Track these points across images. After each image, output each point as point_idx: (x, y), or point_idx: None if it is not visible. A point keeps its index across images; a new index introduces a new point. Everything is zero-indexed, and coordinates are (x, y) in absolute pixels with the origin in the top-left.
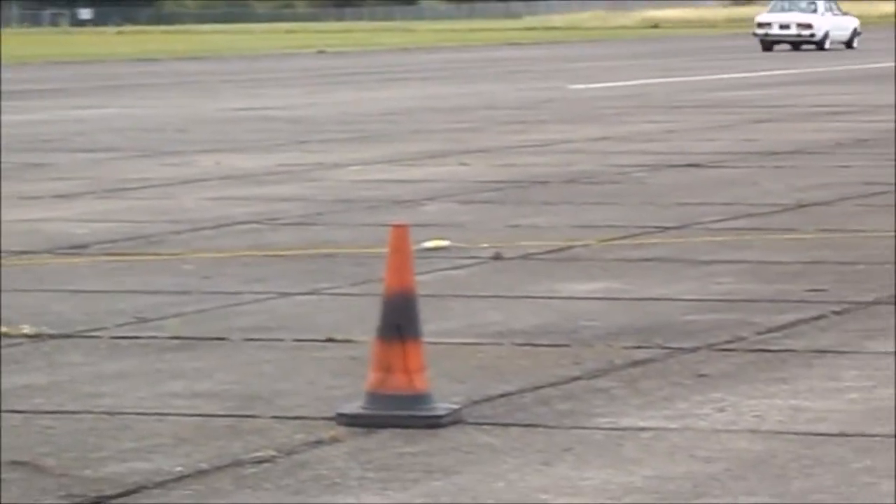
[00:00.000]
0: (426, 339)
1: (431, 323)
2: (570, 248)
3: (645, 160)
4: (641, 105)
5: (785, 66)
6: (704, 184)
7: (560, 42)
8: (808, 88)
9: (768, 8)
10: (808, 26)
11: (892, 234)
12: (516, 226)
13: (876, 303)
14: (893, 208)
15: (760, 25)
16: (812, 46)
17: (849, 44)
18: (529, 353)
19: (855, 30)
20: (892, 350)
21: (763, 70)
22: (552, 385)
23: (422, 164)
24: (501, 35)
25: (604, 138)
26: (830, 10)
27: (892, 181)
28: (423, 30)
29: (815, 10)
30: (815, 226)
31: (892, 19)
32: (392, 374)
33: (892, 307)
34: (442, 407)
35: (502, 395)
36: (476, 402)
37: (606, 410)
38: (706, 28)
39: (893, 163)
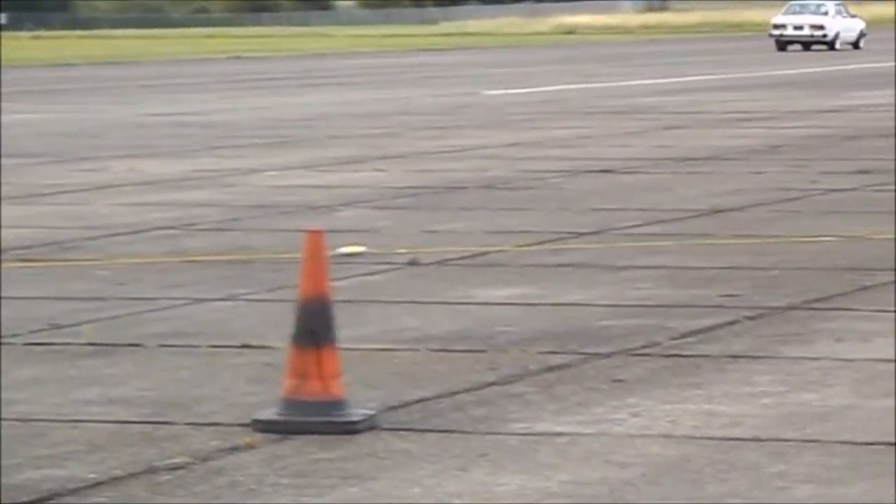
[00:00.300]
0: (342, 344)
1: (347, 329)
2: (486, 253)
3: (560, 166)
4: (557, 111)
5: (698, 71)
6: (620, 189)
7: (476, 48)
8: (722, 95)
9: (783, 10)
10: (821, 27)
11: (806, 239)
12: (432, 231)
13: (790, 308)
14: (807, 214)
15: (776, 27)
16: (823, 46)
17: (855, 44)
18: (445, 358)
19: (861, 31)
20: (806, 355)
21: (678, 76)
22: (468, 391)
23: (338, 170)
24: (418, 41)
25: (519, 144)
26: (840, 12)
27: (807, 187)
28: (340, 35)
29: (826, 13)
30: (730, 231)
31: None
32: (307, 381)
33: (806, 312)
34: (357, 413)
35: (418, 401)
36: (391, 408)
37: (522, 416)
38: (621, 34)
39: (806, 168)
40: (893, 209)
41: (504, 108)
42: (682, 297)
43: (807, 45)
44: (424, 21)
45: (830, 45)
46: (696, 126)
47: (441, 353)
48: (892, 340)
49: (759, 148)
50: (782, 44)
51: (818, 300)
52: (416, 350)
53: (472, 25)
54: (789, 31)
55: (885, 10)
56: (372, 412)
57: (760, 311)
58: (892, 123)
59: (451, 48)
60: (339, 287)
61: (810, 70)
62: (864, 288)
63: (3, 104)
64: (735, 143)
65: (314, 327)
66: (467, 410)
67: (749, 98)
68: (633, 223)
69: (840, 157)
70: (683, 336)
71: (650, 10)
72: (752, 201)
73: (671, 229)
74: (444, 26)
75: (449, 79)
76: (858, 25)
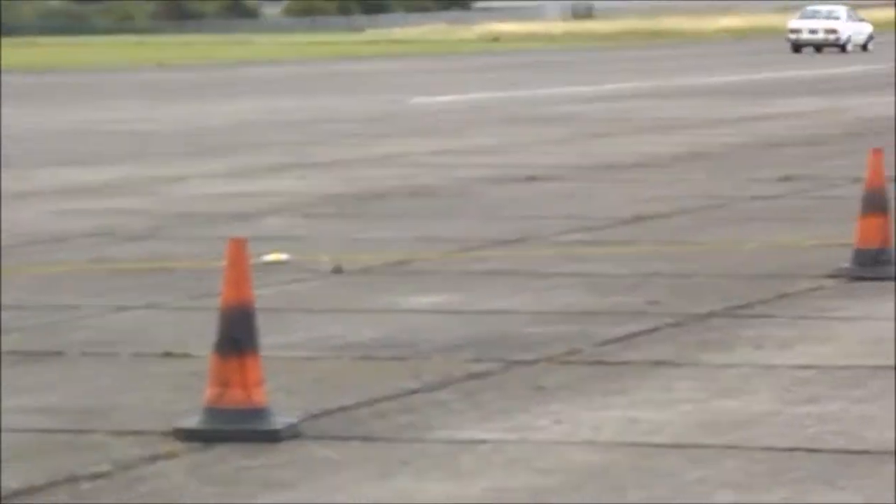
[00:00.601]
0: (265, 353)
1: (270, 337)
2: (410, 261)
3: (485, 173)
4: (482, 118)
5: (623, 79)
6: (544, 197)
7: (402, 55)
8: (646, 102)
9: (798, 15)
10: (834, 31)
11: (729, 246)
12: (357, 239)
13: (711, 315)
14: (730, 221)
15: (792, 31)
16: (836, 49)
17: (864, 46)
18: (368, 366)
19: (870, 34)
20: (727, 362)
21: (601, 84)
22: (391, 398)
23: (262, 178)
24: (343, 48)
25: (444, 151)
26: (851, 17)
27: (730, 194)
28: (264, 42)
29: (838, 18)
30: (653, 238)
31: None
32: (230, 389)
33: (728, 319)
34: (280, 421)
35: (341, 409)
36: (314, 416)
37: (445, 423)
38: (546, 42)
39: (730, 176)
40: (815, 217)
41: (429, 116)
42: (604, 304)
43: (819, 47)
44: (350, 29)
45: (842, 48)
46: (621, 133)
47: (364, 361)
48: (813, 347)
49: (683, 155)
50: (798, 46)
51: (740, 307)
52: (340, 358)
53: (398, 33)
54: (805, 35)
55: (887, 14)
56: (294, 420)
57: (682, 318)
58: (816, 131)
59: (376, 55)
60: (262, 295)
61: (735, 78)
62: (785, 295)
63: None
64: (659, 151)
65: (237, 335)
66: (390, 418)
67: (673, 105)
68: (557, 230)
69: (763, 165)
70: (606, 343)
71: (575, 18)
72: (675, 208)
73: (595, 237)
74: (370, 34)
75: (374, 86)
76: (867, 29)
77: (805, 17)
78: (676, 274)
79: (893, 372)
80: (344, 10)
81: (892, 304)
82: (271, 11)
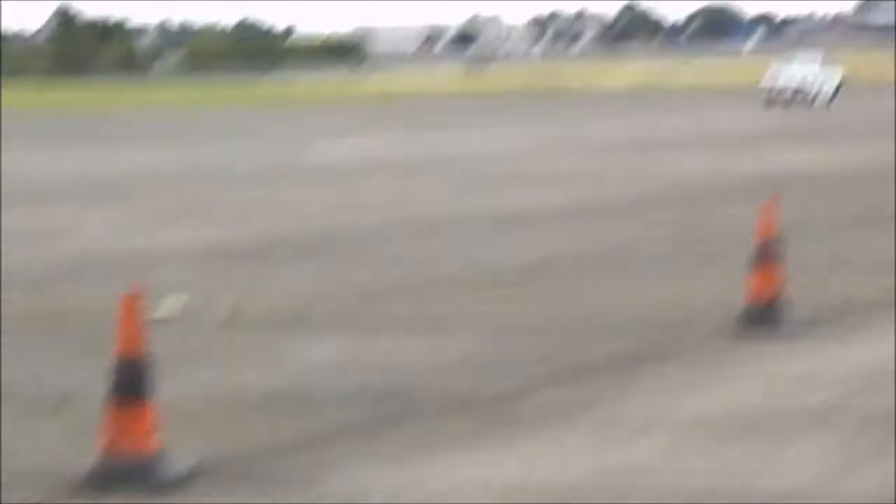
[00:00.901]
0: (159, 401)
1: (164, 385)
2: (309, 308)
3: (382, 222)
4: (377, 167)
5: (519, 131)
6: (442, 246)
7: (298, 106)
8: (547, 153)
9: (768, 72)
10: (801, 90)
11: (627, 294)
12: (255, 286)
13: (609, 361)
14: (624, 274)
15: (765, 87)
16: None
17: (832, 98)
18: (267, 413)
19: (839, 83)
20: (618, 414)
21: (500, 135)
22: (289, 445)
23: (158, 227)
24: (235, 102)
25: (343, 201)
26: (822, 64)
27: (625, 246)
28: (162, 92)
29: (805, 75)
30: (551, 285)
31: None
32: (124, 437)
33: (626, 366)
34: (173, 468)
35: (235, 457)
36: (210, 464)
37: (340, 471)
38: (439, 98)
39: (626, 227)
40: (706, 270)
41: (328, 166)
42: (504, 352)
43: (788, 103)
44: (243, 82)
45: (811, 102)
46: (517, 184)
47: (263, 408)
48: (703, 399)
49: (582, 206)
50: (770, 102)
51: (637, 355)
52: (238, 405)
53: (290, 87)
54: (774, 92)
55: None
56: (188, 467)
57: (580, 366)
58: (709, 184)
59: (273, 107)
60: (158, 342)
61: (625, 132)
62: (682, 343)
63: None
64: (558, 201)
65: (130, 385)
66: (285, 466)
67: (574, 158)
68: (452, 280)
69: (657, 217)
70: (503, 391)
71: (469, 72)
72: (574, 256)
73: (490, 286)
74: (262, 89)
75: (270, 137)
76: (837, 77)
77: (777, 74)
78: (575, 321)
79: (787, 419)
80: (235, 66)
81: (788, 352)
82: (164, 66)
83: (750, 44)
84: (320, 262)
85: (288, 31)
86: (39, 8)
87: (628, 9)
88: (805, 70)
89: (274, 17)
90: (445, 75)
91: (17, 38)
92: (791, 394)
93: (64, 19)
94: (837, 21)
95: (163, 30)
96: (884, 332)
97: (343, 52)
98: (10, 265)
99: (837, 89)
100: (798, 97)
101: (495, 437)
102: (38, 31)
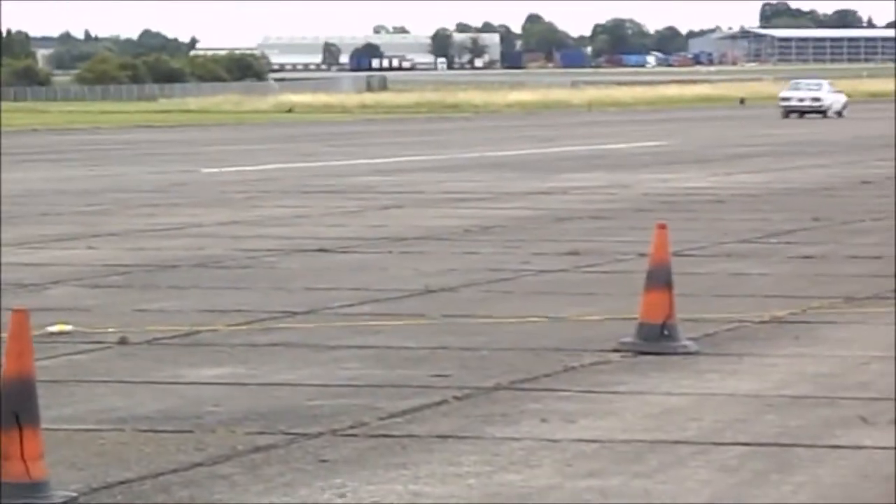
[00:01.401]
0: (46, 425)
1: (52, 409)
2: (196, 332)
3: (276, 244)
4: (272, 189)
5: (414, 152)
6: (333, 269)
7: (194, 125)
8: (437, 175)
9: (787, 87)
10: (818, 100)
11: (515, 320)
12: (143, 310)
13: (497, 388)
14: (517, 295)
15: (783, 99)
16: (818, 115)
17: (840, 113)
18: (152, 439)
19: (845, 103)
20: (512, 435)
21: (392, 157)
22: (173, 471)
23: (49, 248)
24: (135, 117)
25: (234, 222)
26: (829, 90)
27: (518, 267)
28: (55, 111)
29: (819, 88)
30: (441, 311)
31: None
32: (9, 462)
33: (513, 392)
34: (59, 495)
35: (122, 482)
36: (95, 490)
37: (227, 497)
38: (340, 113)
39: (517, 250)
40: (601, 291)
41: (221, 187)
42: (391, 377)
43: (804, 113)
44: (142, 97)
45: (823, 114)
46: (411, 206)
47: (148, 434)
48: (596, 421)
49: (471, 228)
50: (787, 112)
51: (525, 381)
52: (122, 430)
53: (191, 102)
54: (793, 102)
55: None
56: (75, 494)
57: (468, 392)
58: (603, 206)
59: (168, 125)
60: (44, 366)
61: (524, 152)
62: (570, 369)
63: None
64: (448, 224)
65: (16, 408)
66: (172, 492)
67: (464, 179)
68: (345, 303)
69: (551, 239)
70: (391, 416)
71: (370, 90)
72: (463, 281)
73: (383, 309)
74: (163, 103)
75: (166, 156)
76: (843, 98)
77: (793, 89)
78: (463, 347)
79: (672, 446)
80: (136, 79)
81: (674, 378)
82: (62, 79)
83: (653, 59)
84: (210, 285)
85: (192, 43)
86: None
87: (532, 22)
88: (815, 90)
89: (177, 29)
90: (347, 91)
91: None
92: (678, 419)
93: None
94: (744, 34)
95: (66, 40)
96: (771, 359)
97: (245, 66)
98: None
99: (844, 107)
100: (812, 109)
101: (384, 461)
102: None
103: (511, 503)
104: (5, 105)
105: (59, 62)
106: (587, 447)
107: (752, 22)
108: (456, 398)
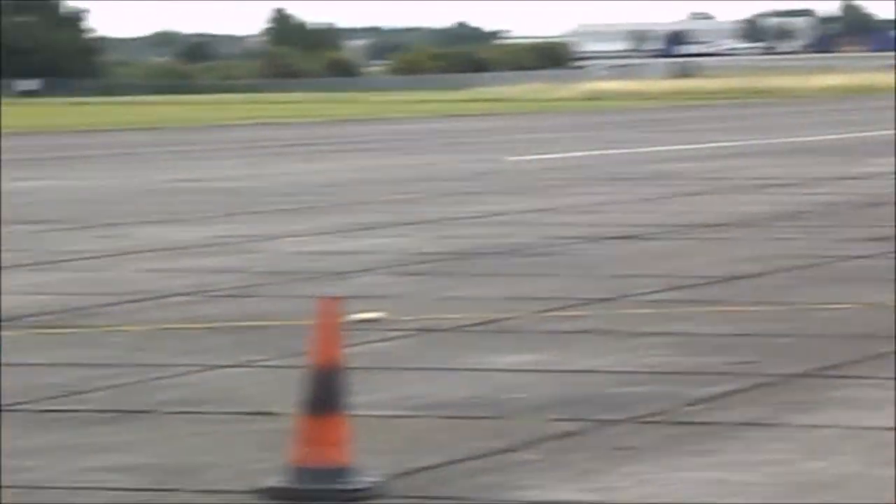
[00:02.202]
0: (352, 411)
1: (358, 395)
2: (500, 320)
3: (581, 232)
4: (579, 177)
5: (721, 137)
6: (639, 256)
7: (500, 114)
8: (745, 161)
9: None
10: None
11: (822, 306)
12: (449, 298)
13: (802, 375)
14: (825, 281)
15: None
16: None
17: None
18: (456, 425)
19: None
20: (816, 423)
21: (700, 143)
22: (477, 458)
23: (359, 236)
24: (444, 106)
25: (541, 210)
26: None
27: (826, 254)
28: (366, 101)
29: None
30: (746, 298)
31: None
32: (316, 448)
33: (818, 380)
34: (364, 480)
35: (426, 468)
36: (399, 476)
37: (530, 483)
38: (645, 100)
39: (827, 235)
40: None
41: (528, 175)
42: (695, 365)
43: None
44: (451, 87)
45: None
46: (718, 192)
47: (451, 420)
48: None
49: (779, 214)
50: None
51: (831, 367)
52: (427, 417)
53: (497, 92)
54: None
55: None
56: (379, 480)
57: (773, 379)
58: None
59: (476, 114)
60: (351, 353)
61: (832, 136)
62: (878, 356)
63: (30, 171)
64: (756, 210)
65: (325, 394)
66: (476, 478)
67: (771, 164)
68: (649, 290)
69: (860, 224)
70: (694, 403)
71: (680, 76)
72: (770, 268)
73: (687, 296)
74: (471, 92)
75: (474, 145)
76: None
77: None
78: (768, 334)
79: None
80: (445, 69)
81: None
82: (374, 70)
83: None
84: (515, 272)
85: (495, 33)
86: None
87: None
88: None
89: (484, 20)
90: (654, 77)
91: (230, 39)
92: None
93: (279, 23)
94: None
95: (375, 33)
96: None
97: (552, 55)
98: (211, 276)
99: None
100: None
101: (686, 449)
102: (250, 36)
103: (815, 491)
104: (317, 96)
105: (373, 53)
106: (893, 435)
107: None
108: (759, 385)
